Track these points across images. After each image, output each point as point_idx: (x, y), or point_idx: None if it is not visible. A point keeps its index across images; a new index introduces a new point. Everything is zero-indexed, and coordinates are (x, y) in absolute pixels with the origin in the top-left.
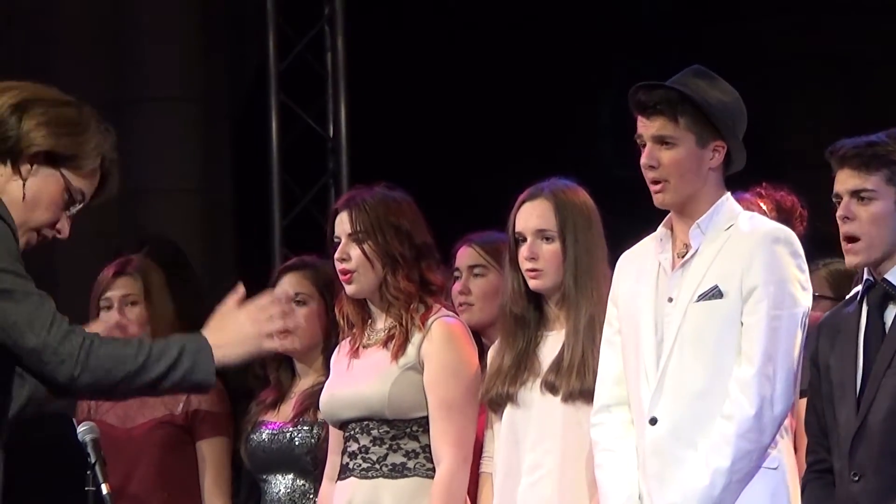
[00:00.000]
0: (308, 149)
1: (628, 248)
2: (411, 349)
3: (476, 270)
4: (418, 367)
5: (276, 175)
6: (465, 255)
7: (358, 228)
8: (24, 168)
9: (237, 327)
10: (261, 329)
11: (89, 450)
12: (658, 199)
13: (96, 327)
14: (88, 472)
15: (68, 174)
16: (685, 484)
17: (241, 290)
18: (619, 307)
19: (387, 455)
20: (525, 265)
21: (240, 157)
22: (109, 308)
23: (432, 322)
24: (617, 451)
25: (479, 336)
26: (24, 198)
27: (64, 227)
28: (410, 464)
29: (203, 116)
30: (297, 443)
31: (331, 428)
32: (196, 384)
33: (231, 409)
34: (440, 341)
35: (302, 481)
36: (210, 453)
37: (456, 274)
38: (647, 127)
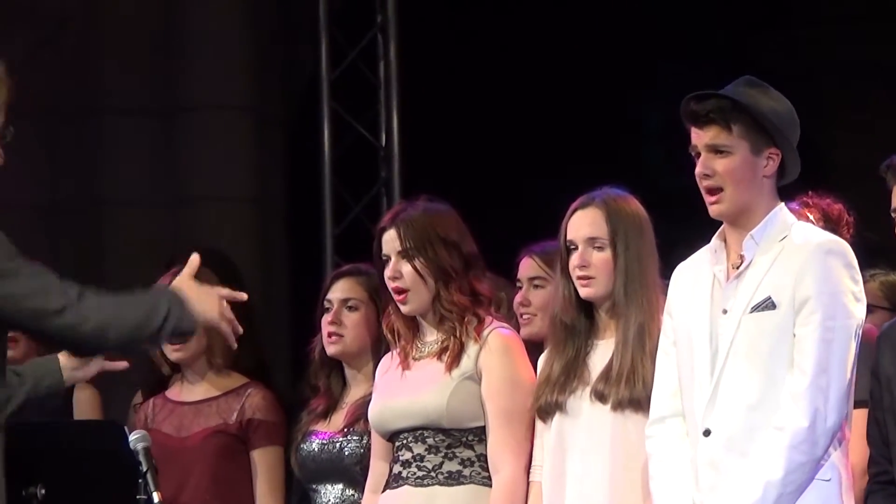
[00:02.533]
0: (360, 158)
1: (678, 257)
2: (468, 360)
3: (536, 282)
4: (476, 377)
5: (327, 184)
6: (526, 267)
7: (408, 245)
8: None
9: (201, 298)
10: (220, 310)
11: (141, 458)
12: (714, 211)
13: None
14: (140, 481)
15: None
16: (737, 496)
17: (196, 260)
18: (674, 318)
19: (442, 463)
20: (576, 273)
21: (292, 166)
22: None
23: (488, 333)
24: (671, 463)
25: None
26: None
27: None
28: (466, 471)
29: (255, 125)
30: (346, 453)
31: (374, 438)
32: (182, 332)
33: (285, 417)
34: (499, 352)
35: (351, 491)
36: (264, 462)
37: (518, 285)
38: (700, 137)
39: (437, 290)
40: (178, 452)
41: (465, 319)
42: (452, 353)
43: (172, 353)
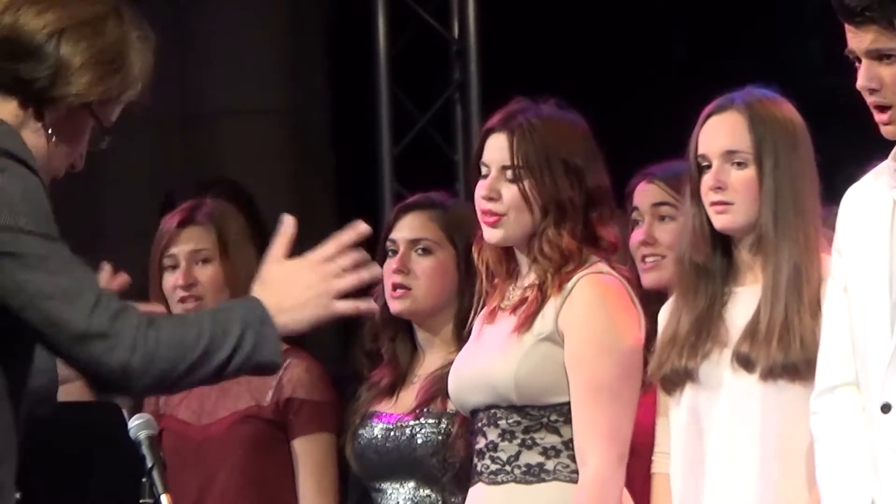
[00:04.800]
0: (426, 55)
1: (845, 179)
2: (548, 315)
3: (663, 211)
4: (557, 337)
5: (384, 89)
6: (647, 194)
7: (518, 162)
8: (51, 114)
9: (299, 286)
10: (329, 287)
11: (144, 450)
12: (889, 132)
13: (152, 307)
14: (144, 480)
15: (101, 112)
16: None
17: (290, 225)
18: (844, 257)
19: (519, 453)
20: (709, 197)
21: (336, 67)
22: (175, 267)
23: (577, 279)
24: (843, 447)
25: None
26: (46, 146)
27: (79, 161)
28: (550, 464)
29: (287, 14)
30: (419, 441)
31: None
32: (260, 366)
33: (336, 396)
34: (586, 304)
35: (427, 491)
36: (309, 454)
37: (636, 217)
38: (858, 39)
39: (544, 226)
40: (198, 445)
41: (565, 269)
42: (530, 307)
43: None
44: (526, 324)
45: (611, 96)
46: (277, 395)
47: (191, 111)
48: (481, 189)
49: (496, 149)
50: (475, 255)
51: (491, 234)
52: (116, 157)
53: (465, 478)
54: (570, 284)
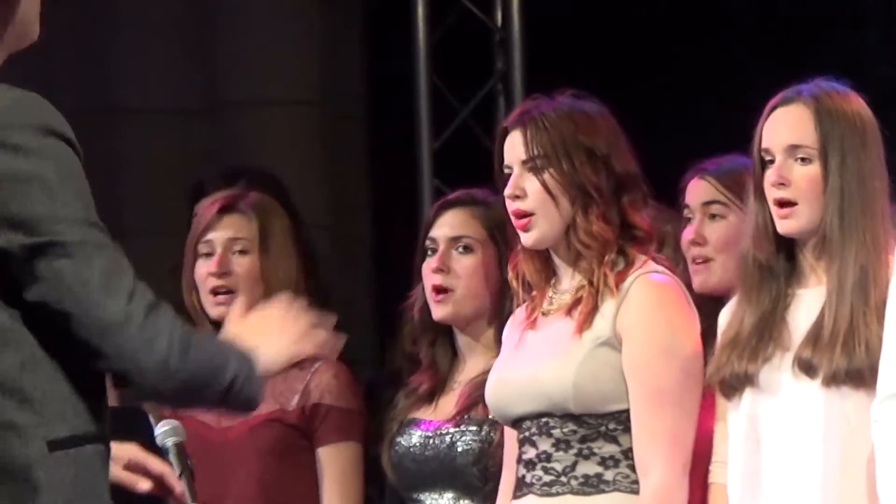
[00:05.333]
0: (467, 44)
1: None
2: (605, 318)
3: (713, 210)
4: (615, 342)
5: (423, 80)
6: (698, 191)
7: (535, 153)
8: None
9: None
10: (300, 344)
11: (172, 458)
12: None
13: None
14: None
15: None
16: None
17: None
18: None
19: (576, 463)
20: (772, 194)
21: (372, 55)
22: (210, 255)
23: (633, 280)
24: None
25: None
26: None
27: None
28: (609, 475)
29: (324, 1)
30: (459, 449)
31: (506, 435)
32: (248, 400)
33: (363, 404)
34: (644, 307)
35: (467, 501)
36: (334, 463)
37: (687, 215)
38: None
39: (573, 215)
40: (217, 448)
41: (606, 259)
42: (586, 308)
43: (213, 307)
44: (587, 321)
45: (662, 93)
46: (304, 400)
47: (217, 101)
48: (507, 189)
49: (513, 146)
50: (510, 271)
51: (526, 238)
52: (140, 148)
53: None
54: (626, 285)
